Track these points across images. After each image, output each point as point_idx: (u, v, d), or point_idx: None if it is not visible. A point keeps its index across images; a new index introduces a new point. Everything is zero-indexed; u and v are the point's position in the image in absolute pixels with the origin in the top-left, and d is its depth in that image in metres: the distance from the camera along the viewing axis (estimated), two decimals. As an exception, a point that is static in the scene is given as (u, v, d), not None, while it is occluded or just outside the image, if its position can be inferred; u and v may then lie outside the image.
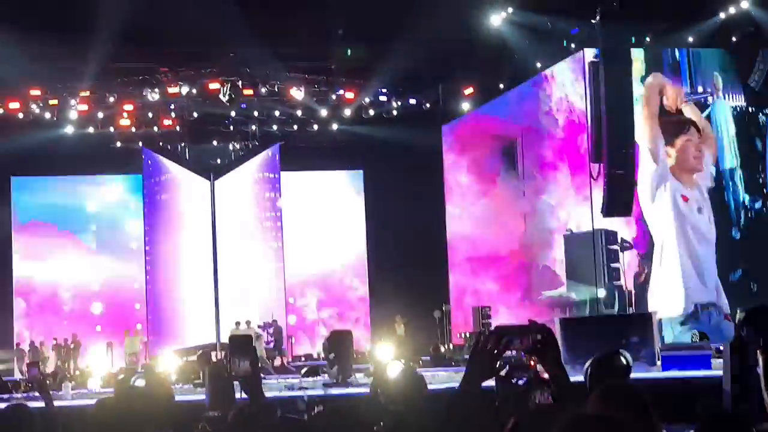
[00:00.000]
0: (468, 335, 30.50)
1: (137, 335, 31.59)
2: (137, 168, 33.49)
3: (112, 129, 32.80)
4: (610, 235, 26.05)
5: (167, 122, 32.90)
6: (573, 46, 27.31)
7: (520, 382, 5.46)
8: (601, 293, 25.42)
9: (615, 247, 26.08)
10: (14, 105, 30.87)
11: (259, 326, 31.01)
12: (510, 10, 27.30)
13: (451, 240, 33.75)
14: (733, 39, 27.63)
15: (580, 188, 27.76)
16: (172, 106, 32.63)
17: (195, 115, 32.93)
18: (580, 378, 8.03)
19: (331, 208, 35.34)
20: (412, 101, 32.75)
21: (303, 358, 31.38)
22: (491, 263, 32.27)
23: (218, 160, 33.94)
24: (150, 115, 32.72)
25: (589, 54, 26.21)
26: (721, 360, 12.67)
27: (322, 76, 32.11)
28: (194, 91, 31.44)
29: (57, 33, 26.32)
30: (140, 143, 33.42)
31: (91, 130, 32.60)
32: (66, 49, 27.74)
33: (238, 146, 34.04)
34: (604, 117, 25.14)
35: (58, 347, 32.30)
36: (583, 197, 27.45)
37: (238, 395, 8.77)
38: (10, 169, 33.41)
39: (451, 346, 31.00)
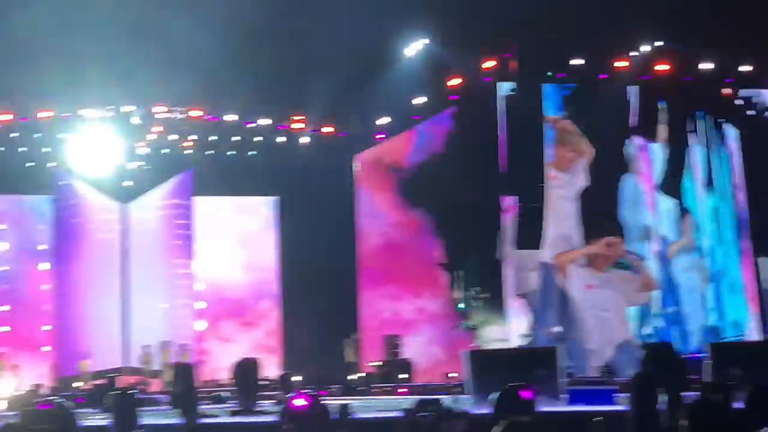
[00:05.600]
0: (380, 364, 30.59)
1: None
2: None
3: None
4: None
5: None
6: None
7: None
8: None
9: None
10: None
11: None
12: (426, 41, 27.50)
13: (363, 264, 33.61)
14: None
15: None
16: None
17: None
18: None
19: (245, 233, 35.02)
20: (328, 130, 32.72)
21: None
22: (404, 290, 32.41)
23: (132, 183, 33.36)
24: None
25: (505, 88, 26.68)
26: (625, 395, 12.93)
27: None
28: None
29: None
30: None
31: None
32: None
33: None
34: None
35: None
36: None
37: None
38: None
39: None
